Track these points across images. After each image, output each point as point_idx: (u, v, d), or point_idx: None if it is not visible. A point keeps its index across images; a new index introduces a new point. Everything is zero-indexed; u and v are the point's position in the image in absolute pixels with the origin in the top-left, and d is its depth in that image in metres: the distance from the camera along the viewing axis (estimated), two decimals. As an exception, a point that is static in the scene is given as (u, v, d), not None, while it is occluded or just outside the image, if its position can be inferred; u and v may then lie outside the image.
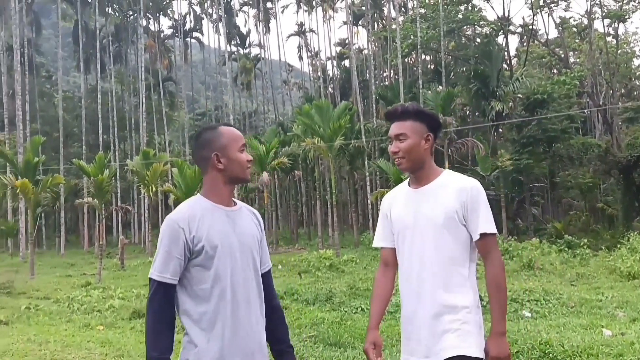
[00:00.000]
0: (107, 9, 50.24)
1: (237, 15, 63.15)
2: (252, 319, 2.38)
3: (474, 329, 2.53)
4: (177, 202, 21.29)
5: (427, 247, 2.59)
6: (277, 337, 2.55)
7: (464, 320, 2.52)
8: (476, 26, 39.36)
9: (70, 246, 39.44)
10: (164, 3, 55.08)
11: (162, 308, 2.28)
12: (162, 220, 2.75)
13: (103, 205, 24.26)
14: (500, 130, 34.51)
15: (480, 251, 2.59)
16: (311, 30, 62.05)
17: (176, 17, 59.75)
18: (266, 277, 2.57)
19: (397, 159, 2.69)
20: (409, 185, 2.77)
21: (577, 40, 44.72)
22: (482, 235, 2.54)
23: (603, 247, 19.57)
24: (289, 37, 65.50)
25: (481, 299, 2.62)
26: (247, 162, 2.46)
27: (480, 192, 2.58)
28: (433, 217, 2.58)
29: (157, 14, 55.24)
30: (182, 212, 2.34)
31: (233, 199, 2.50)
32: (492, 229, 2.56)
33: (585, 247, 19.25)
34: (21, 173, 22.41)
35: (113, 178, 28.09)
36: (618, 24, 38.31)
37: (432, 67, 43.57)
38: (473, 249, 2.60)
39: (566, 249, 20.04)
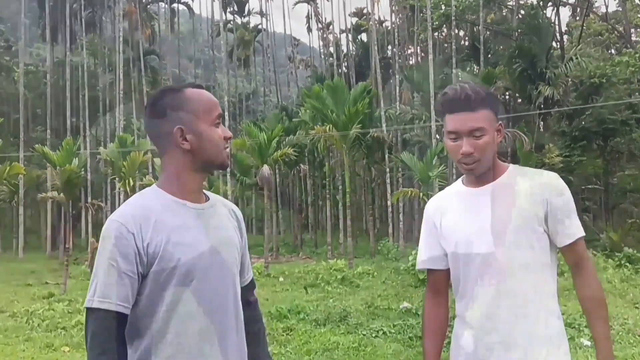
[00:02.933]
0: (79, -33, 50.30)
1: (234, -23, 63.25)
2: (228, 356, 2.07)
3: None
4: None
5: (502, 262, 2.36)
6: None
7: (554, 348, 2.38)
8: (521, -5, 39.19)
9: (30, 249, 39.44)
10: (147, -39, 55.16)
11: (110, 351, 1.90)
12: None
13: (71, 202, 24.19)
14: (548, 120, 34.26)
15: (570, 260, 2.44)
16: (322, -3, 62.18)
17: (161, -22, 59.94)
18: (248, 293, 2.29)
19: (469, 162, 2.36)
20: (462, 183, 2.53)
21: (640, 15, 44.43)
22: (577, 240, 2.40)
23: (672, 264, 19.39)
24: (295, 4, 65.59)
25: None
26: (224, 140, 2.10)
27: (567, 187, 2.43)
28: (507, 222, 2.35)
29: (139, -25, 55.33)
30: (130, 211, 1.99)
31: (204, 191, 2.17)
32: (583, 231, 2.43)
33: (650, 262, 19.10)
34: (-27, 161, 22.41)
35: (83, 169, 27.90)
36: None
37: (468, 43, 43.34)
38: (554, 261, 2.45)
39: (626, 264, 19.88)
